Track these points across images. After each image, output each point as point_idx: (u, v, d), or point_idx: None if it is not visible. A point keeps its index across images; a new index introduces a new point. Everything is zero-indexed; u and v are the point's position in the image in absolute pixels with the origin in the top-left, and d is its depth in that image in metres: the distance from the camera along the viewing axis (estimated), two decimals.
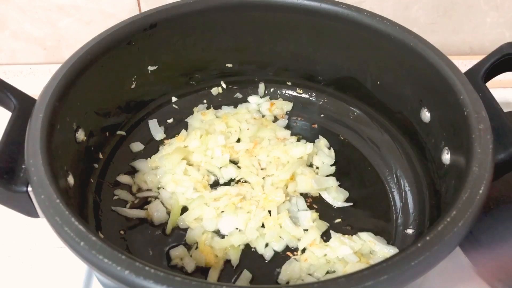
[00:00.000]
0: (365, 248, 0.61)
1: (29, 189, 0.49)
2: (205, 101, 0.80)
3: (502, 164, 0.54)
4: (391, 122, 0.74)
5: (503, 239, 0.62)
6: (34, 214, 0.52)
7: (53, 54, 0.94)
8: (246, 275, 0.60)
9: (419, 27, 0.64)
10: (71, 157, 0.60)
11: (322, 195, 0.68)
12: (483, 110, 0.55)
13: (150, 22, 0.68)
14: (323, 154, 0.73)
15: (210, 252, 0.61)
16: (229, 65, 0.79)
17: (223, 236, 0.63)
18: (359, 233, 0.63)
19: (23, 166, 0.51)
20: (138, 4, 0.87)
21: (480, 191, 0.47)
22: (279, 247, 0.63)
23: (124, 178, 0.69)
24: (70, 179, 0.58)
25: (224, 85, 0.81)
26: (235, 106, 0.80)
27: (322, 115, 0.80)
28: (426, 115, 0.65)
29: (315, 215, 0.65)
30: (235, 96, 0.81)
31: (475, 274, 0.63)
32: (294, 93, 0.82)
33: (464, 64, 0.62)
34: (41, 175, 0.48)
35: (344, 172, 0.72)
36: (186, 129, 0.76)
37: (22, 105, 0.57)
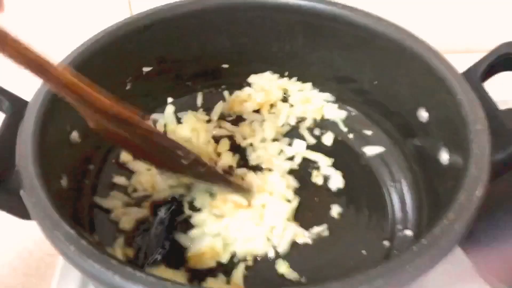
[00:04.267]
0: None
1: (21, 191, 0.49)
2: (201, 101, 0.79)
3: (500, 164, 0.53)
4: (388, 122, 0.73)
5: (503, 239, 0.62)
6: (28, 217, 0.52)
7: (45, 56, 0.93)
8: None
9: (414, 26, 0.64)
10: (65, 159, 0.59)
11: None
12: (481, 110, 0.55)
13: (144, 23, 0.67)
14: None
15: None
16: (225, 66, 0.78)
17: None
18: None
19: (15, 169, 0.50)
20: (129, 6, 0.86)
21: (477, 192, 0.47)
22: None
23: (119, 180, 0.69)
24: (64, 181, 0.57)
25: (219, 86, 0.80)
26: None
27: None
28: (423, 115, 0.65)
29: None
30: None
31: (476, 273, 0.63)
32: None
33: (460, 62, 0.62)
34: (32, 178, 0.47)
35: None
36: None
37: (15, 107, 0.56)
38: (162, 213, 0.66)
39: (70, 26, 0.90)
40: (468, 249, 0.63)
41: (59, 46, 0.93)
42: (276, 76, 0.80)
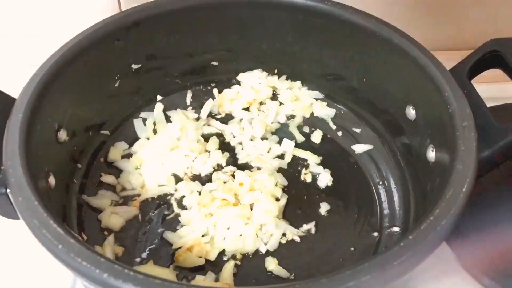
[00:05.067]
0: None
1: (8, 190, 0.48)
2: (190, 99, 0.79)
3: (487, 161, 0.54)
4: (377, 120, 0.74)
5: (487, 233, 0.63)
6: (15, 216, 0.51)
7: (32, 55, 0.92)
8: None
9: (402, 23, 0.64)
10: (52, 158, 0.59)
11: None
12: (468, 107, 0.55)
13: (133, 20, 0.67)
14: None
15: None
16: (214, 63, 0.78)
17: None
18: None
19: (2, 167, 0.50)
20: (119, 2, 0.86)
21: (464, 189, 0.47)
22: None
23: (108, 178, 0.68)
24: (52, 180, 0.57)
25: (209, 83, 0.80)
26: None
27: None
28: (411, 112, 0.65)
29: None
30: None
31: (460, 267, 0.64)
32: None
33: (448, 59, 0.62)
34: (19, 177, 0.47)
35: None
36: None
37: (2, 104, 0.55)
38: (151, 211, 0.65)
39: (59, 22, 0.90)
40: (452, 242, 0.64)
41: (47, 42, 0.92)
42: (265, 74, 0.80)
